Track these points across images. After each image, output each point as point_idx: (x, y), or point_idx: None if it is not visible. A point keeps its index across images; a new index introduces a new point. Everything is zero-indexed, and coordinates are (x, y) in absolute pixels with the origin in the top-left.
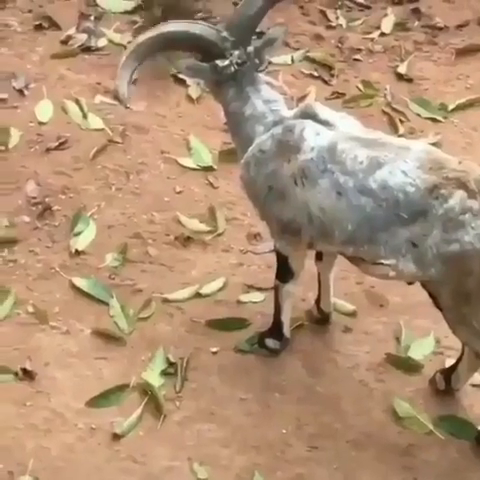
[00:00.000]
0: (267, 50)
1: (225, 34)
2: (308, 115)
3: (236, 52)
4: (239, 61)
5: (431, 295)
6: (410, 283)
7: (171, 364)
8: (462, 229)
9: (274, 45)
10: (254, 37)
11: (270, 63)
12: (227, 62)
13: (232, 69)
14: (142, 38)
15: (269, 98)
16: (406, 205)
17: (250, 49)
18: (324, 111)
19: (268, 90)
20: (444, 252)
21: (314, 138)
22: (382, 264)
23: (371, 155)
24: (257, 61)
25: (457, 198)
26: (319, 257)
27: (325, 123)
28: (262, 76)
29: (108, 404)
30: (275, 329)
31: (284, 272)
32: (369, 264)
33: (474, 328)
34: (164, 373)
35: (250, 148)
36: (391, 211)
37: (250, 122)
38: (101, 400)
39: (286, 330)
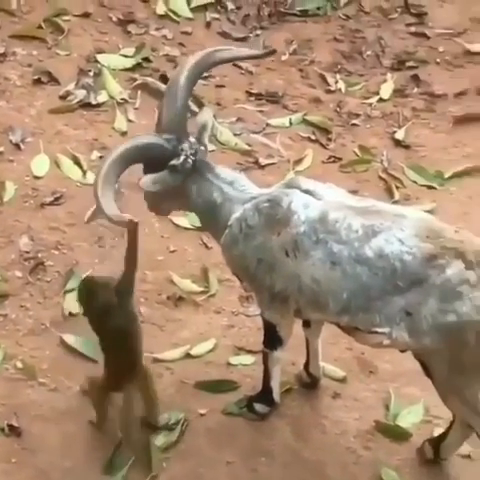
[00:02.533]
0: (205, 134)
1: (165, 135)
2: (293, 187)
3: (185, 145)
4: (192, 151)
5: (423, 364)
6: (403, 351)
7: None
8: (459, 300)
9: (208, 129)
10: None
11: (268, 125)
12: (182, 157)
13: (190, 161)
14: (104, 166)
15: (231, 179)
16: (403, 274)
17: (192, 139)
18: (309, 183)
19: (226, 171)
20: (440, 322)
21: (303, 210)
22: (377, 332)
23: (366, 223)
24: (203, 148)
25: (455, 269)
26: (307, 323)
27: (312, 194)
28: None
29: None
30: (264, 394)
31: (272, 339)
32: (364, 333)
33: (467, 399)
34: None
35: (233, 225)
36: (387, 280)
37: (224, 207)
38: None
39: (275, 395)
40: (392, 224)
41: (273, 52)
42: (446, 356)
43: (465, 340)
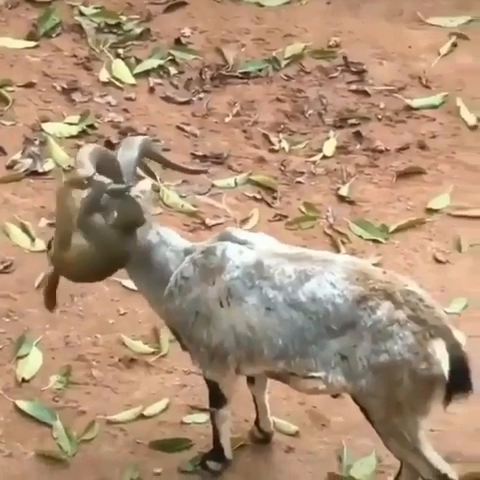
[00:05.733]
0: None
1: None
2: (226, 239)
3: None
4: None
5: (362, 408)
6: (335, 396)
7: None
8: (390, 339)
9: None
10: None
11: (213, 186)
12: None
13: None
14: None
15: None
16: (335, 317)
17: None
18: (241, 233)
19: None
20: (374, 363)
21: (238, 256)
22: (313, 377)
23: (299, 269)
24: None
25: (384, 309)
26: (251, 380)
27: (244, 242)
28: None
29: None
30: (216, 452)
31: (216, 398)
32: (300, 378)
33: (405, 440)
34: None
35: (169, 279)
36: (321, 323)
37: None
38: None
39: (227, 452)
40: (323, 268)
41: (204, 172)
42: (382, 397)
43: (398, 379)
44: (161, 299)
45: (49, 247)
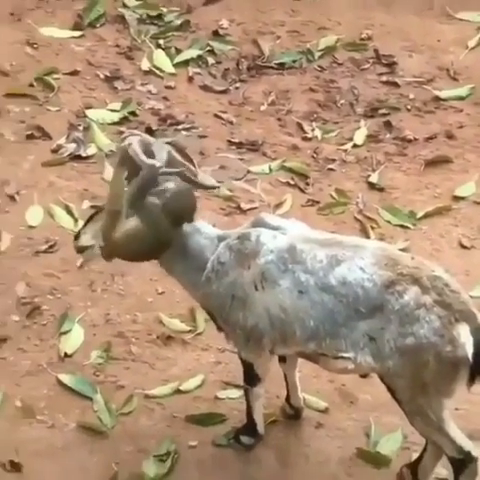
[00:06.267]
0: None
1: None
2: (260, 224)
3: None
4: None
5: (389, 388)
6: (364, 376)
7: (155, 456)
8: (417, 323)
9: None
10: None
11: (249, 172)
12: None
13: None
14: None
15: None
16: (364, 300)
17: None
18: (274, 219)
19: None
20: (401, 345)
21: (272, 241)
22: (342, 358)
23: (330, 254)
24: None
25: (412, 294)
26: (282, 359)
27: (277, 228)
28: None
29: None
30: (249, 427)
31: (251, 377)
32: (330, 358)
33: (430, 418)
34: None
35: (205, 266)
36: (351, 306)
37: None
38: None
39: (259, 428)
40: (353, 254)
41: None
42: (408, 378)
43: (424, 361)
44: (198, 284)
45: (76, 238)
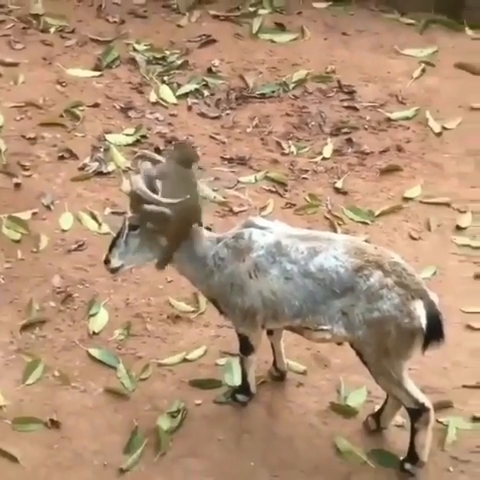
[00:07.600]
0: None
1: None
2: (250, 225)
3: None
4: None
5: (358, 353)
6: (339, 343)
7: (167, 413)
8: (381, 300)
9: None
10: None
11: (238, 181)
12: None
13: None
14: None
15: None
16: (338, 282)
17: None
18: (261, 220)
19: None
20: (368, 318)
21: (262, 238)
22: (322, 330)
23: (309, 246)
24: None
25: (376, 277)
26: (270, 332)
27: (265, 228)
28: None
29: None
30: (244, 387)
31: (246, 348)
32: (312, 331)
33: (392, 377)
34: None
35: (208, 262)
36: (328, 288)
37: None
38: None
39: (252, 388)
40: (328, 245)
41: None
42: (374, 345)
43: (387, 331)
44: (203, 278)
45: (106, 262)
